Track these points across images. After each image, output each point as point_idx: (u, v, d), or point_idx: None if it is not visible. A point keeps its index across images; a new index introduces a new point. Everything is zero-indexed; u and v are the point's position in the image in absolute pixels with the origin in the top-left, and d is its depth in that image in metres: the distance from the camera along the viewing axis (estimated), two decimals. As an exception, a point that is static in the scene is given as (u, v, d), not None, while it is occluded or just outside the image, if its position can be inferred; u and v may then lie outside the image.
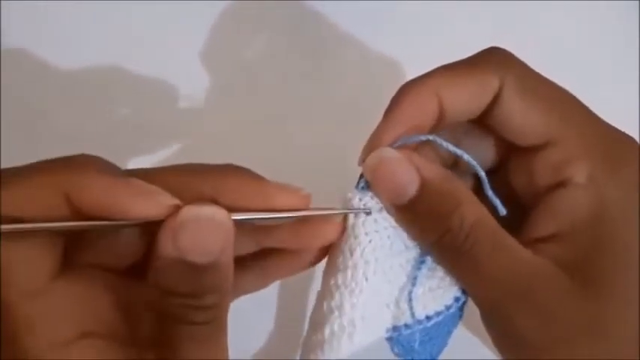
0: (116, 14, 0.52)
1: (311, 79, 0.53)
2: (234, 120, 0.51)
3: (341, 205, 0.29)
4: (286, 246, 0.29)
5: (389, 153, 0.28)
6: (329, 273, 0.29)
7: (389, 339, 0.29)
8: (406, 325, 0.29)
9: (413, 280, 0.29)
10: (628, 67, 0.53)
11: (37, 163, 0.24)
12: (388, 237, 0.29)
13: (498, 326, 0.28)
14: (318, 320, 0.28)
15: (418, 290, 0.29)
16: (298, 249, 0.29)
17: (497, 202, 0.28)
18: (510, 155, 0.30)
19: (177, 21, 0.52)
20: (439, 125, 0.29)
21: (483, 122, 0.29)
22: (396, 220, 0.29)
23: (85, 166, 0.24)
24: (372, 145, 0.29)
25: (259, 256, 0.31)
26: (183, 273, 0.24)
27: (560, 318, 0.26)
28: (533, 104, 0.28)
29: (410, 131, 0.28)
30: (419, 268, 0.29)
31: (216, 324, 0.25)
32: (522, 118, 0.28)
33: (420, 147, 0.30)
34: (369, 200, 0.28)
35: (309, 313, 0.30)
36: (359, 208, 0.28)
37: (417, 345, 0.29)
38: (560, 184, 0.28)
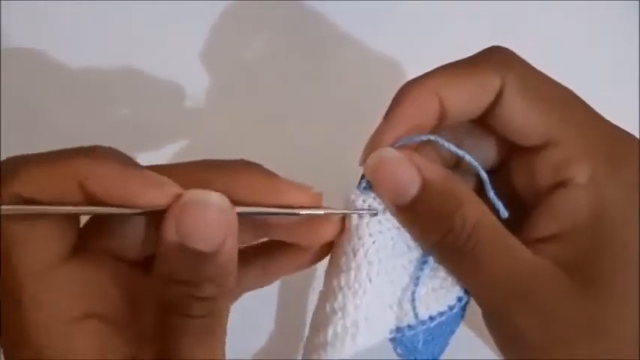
0: (116, 14, 0.52)
1: (311, 79, 0.53)
2: (234, 120, 0.51)
3: (342, 206, 0.29)
4: (284, 240, 0.29)
5: (389, 153, 0.28)
6: (332, 274, 0.29)
7: (392, 340, 0.29)
8: (409, 326, 0.29)
9: (415, 281, 0.29)
10: (628, 67, 0.53)
11: (54, 151, 0.25)
12: (392, 238, 0.28)
13: (499, 326, 0.28)
14: (321, 321, 0.28)
15: (421, 291, 0.29)
16: (298, 245, 0.29)
17: (499, 204, 0.28)
18: (512, 155, 0.30)
19: (177, 21, 0.52)
20: (440, 125, 0.29)
21: (484, 122, 0.29)
22: (398, 221, 0.29)
23: (99, 154, 0.25)
24: (372, 145, 0.29)
25: (262, 253, 0.31)
26: (184, 259, 0.24)
27: (560, 318, 0.26)
28: (535, 104, 0.28)
29: (411, 131, 0.28)
30: (421, 269, 0.29)
31: (214, 319, 0.25)
32: (523, 118, 0.28)
33: (421, 147, 0.30)
34: (372, 201, 0.28)
35: (309, 313, 0.30)
36: (366, 209, 0.28)
37: (420, 345, 0.29)
38: (561, 184, 0.28)
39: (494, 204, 0.28)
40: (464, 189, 0.28)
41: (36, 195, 0.24)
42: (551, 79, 0.29)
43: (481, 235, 0.27)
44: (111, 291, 0.27)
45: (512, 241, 0.27)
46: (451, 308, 0.30)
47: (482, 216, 0.27)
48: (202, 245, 0.24)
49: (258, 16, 0.54)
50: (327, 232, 0.29)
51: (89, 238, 0.27)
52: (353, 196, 0.29)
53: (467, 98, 0.28)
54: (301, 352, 0.29)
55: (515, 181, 0.30)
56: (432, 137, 0.28)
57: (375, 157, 0.28)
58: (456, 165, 0.32)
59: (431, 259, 0.29)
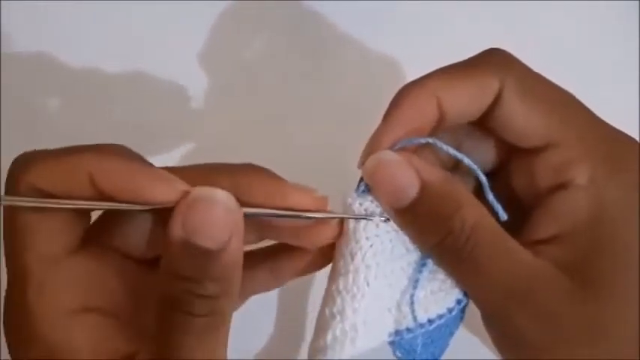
0: (116, 14, 0.52)
1: (311, 79, 0.53)
2: (234, 120, 0.51)
3: (341, 208, 0.29)
4: (286, 242, 0.29)
5: (388, 156, 0.28)
6: (331, 278, 0.29)
7: (391, 343, 0.29)
8: (408, 330, 0.29)
9: (414, 284, 0.29)
10: (628, 67, 0.53)
11: (66, 147, 0.26)
12: (390, 241, 0.28)
13: (499, 327, 0.28)
14: (321, 326, 0.28)
15: (420, 293, 0.29)
16: (303, 249, 0.30)
17: (498, 207, 0.28)
18: (511, 157, 0.30)
19: (177, 21, 0.52)
20: (439, 128, 0.29)
21: (483, 124, 0.29)
22: (396, 224, 0.28)
23: (110, 151, 0.26)
24: (371, 148, 0.29)
25: (269, 256, 0.31)
26: (188, 256, 0.25)
27: (560, 319, 0.26)
28: (534, 106, 0.28)
29: (409, 134, 0.28)
30: (420, 271, 0.29)
31: (216, 317, 0.25)
32: (523, 120, 0.28)
33: (419, 150, 0.30)
34: (370, 204, 0.28)
35: (309, 314, 0.30)
36: (376, 216, 0.28)
37: (419, 348, 0.29)
38: (561, 186, 0.28)
39: (494, 206, 0.28)
40: (463, 191, 0.28)
41: (49, 187, 0.25)
42: (550, 81, 0.29)
43: (480, 238, 0.27)
44: (114, 287, 0.27)
45: (512, 243, 0.27)
46: (450, 311, 0.30)
47: (480, 218, 0.27)
48: (208, 242, 0.25)
49: (258, 16, 0.54)
50: (327, 234, 0.29)
51: (98, 234, 0.28)
52: (350, 200, 0.29)
53: (465, 100, 0.28)
54: (302, 353, 0.30)
55: (515, 182, 0.30)
56: (430, 140, 0.28)
57: (374, 160, 0.28)
58: (455, 167, 0.32)
59: (429, 262, 0.29)
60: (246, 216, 0.26)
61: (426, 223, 0.28)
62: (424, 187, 0.27)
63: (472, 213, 0.27)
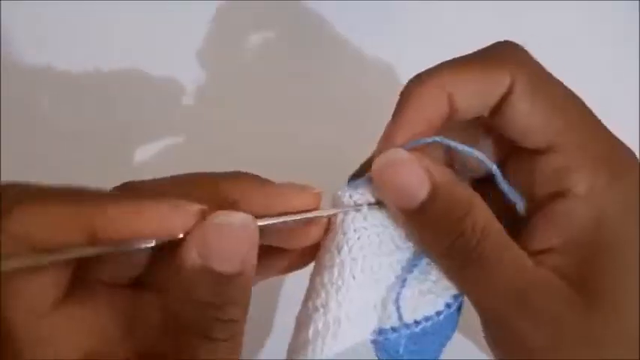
0: (116, 14, 0.52)
1: (311, 79, 0.53)
2: (234, 120, 0.51)
3: (330, 203, 0.28)
4: (272, 244, 0.29)
5: (397, 154, 0.27)
6: (315, 273, 0.28)
7: (374, 342, 0.28)
8: (392, 329, 0.28)
9: (402, 282, 0.28)
10: (628, 66, 0.53)
11: (60, 189, 0.24)
12: (377, 235, 0.28)
13: (500, 333, 0.28)
14: (303, 320, 0.28)
15: (407, 292, 0.28)
16: (283, 249, 0.29)
17: (516, 196, 0.28)
18: (509, 159, 0.30)
19: (177, 21, 0.52)
20: (448, 123, 0.28)
21: (486, 119, 0.29)
22: (405, 226, 0.28)
23: (107, 199, 0.24)
24: (383, 147, 0.28)
25: None
26: (207, 281, 0.24)
27: (562, 326, 0.26)
28: (543, 105, 0.27)
29: (422, 132, 0.27)
30: (410, 271, 0.28)
31: (234, 342, 0.25)
32: (529, 118, 0.27)
33: (422, 147, 0.30)
34: (360, 197, 0.28)
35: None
36: (356, 206, 0.27)
37: (401, 350, 0.28)
38: (560, 194, 0.27)
39: (510, 197, 0.28)
40: (472, 193, 0.27)
41: (44, 239, 0.23)
42: (559, 81, 0.28)
43: (489, 241, 0.26)
44: (107, 323, 0.26)
45: (517, 249, 0.27)
46: (438, 314, 0.29)
47: (490, 221, 0.27)
48: (227, 268, 0.24)
49: (258, 16, 0.54)
50: (316, 234, 0.28)
51: (84, 273, 0.26)
52: (339, 192, 0.28)
53: (477, 95, 0.27)
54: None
55: (513, 186, 0.30)
56: (437, 139, 0.28)
57: (382, 159, 0.27)
58: (450, 167, 0.31)
59: (423, 262, 0.28)
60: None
61: (437, 225, 0.27)
62: (434, 188, 0.26)
63: (482, 215, 0.27)
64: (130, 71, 0.51)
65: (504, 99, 0.27)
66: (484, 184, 0.30)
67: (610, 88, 0.47)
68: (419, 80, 0.28)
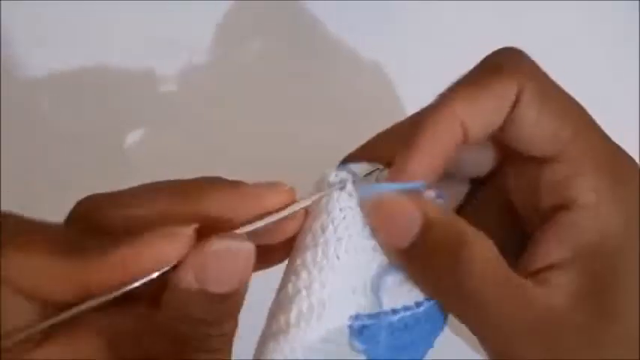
0: (116, 15, 0.52)
1: (311, 79, 0.53)
2: (234, 120, 0.51)
3: (315, 186, 0.28)
4: (255, 244, 0.28)
5: (389, 195, 0.27)
6: (294, 256, 0.27)
7: (350, 327, 0.27)
8: (370, 315, 0.27)
9: (384, 268, 0.27)
10: (628, 66, 0.53)
11: (53, 237, 0.24)
12: (362, 216, 0.27)
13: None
14: (281, 306, 0.26)
15: (388, 279, 0.27)
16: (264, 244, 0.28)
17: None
18: (509, 166, 0.30)
19: (177, 21, 0.52)
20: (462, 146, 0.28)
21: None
22: (398, 264, 0.27)
23: (98, 252, 0.24)
24: (401, 177, 0.27)
25: None
26: (203, 302, 0.24)
27: (574, 353, 0.26)
28: (551, 115, 0.27)
29: (440, 163, 0.27)
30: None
31: (227, 348, 0.26)
32: (536, 128, 0.27)
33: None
34: (346, 175, 0.27)
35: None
36: (341, 184, 0.27)
37: (381, 340, 0.27)
38: (564, 207, 0.27)
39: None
40: (466, 225, 0.27)
41: (35, 293, 0.23)
42: (564, 90, 0.28)
43: (486, 274, 0.26)
44: (93, 349, 0.26)
45: (517, 278, 0.26)
46: (418, 305, 0.28)
47: (486, 253, 0.26)
48: (225, 289, 0.24)
49: (258, 16, 0.54)
50: (293, 228, 0.28)
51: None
52: (327, 171, 0.28)
53: (489, 119, 0.27)
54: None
55: (514, 197, 0.29)
56: (419, 185, 0.27)
57: (374, 200, 0.27)
58: (446, 174, 0.31)
59: None
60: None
61: (430, 261, 0.26)
62: (427, 224, 0.26)
63: (478, 248, 0.26)
64: (131, 71, 0.51)
65: (511, 109, 0.27)
66: (484, 184, 0.30)
67: (610, 88, 0.47)
68: (431, 112, 0.28)
